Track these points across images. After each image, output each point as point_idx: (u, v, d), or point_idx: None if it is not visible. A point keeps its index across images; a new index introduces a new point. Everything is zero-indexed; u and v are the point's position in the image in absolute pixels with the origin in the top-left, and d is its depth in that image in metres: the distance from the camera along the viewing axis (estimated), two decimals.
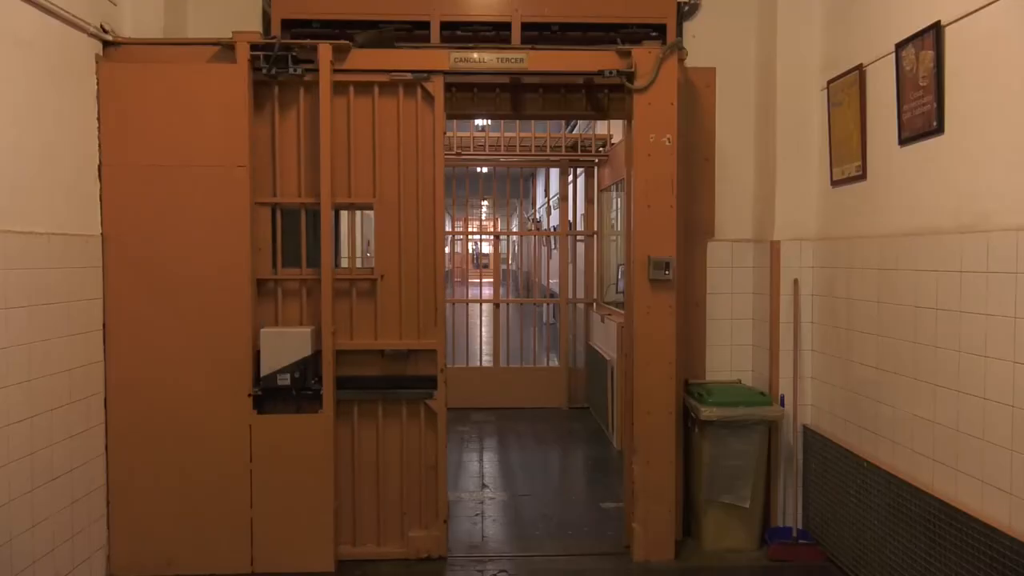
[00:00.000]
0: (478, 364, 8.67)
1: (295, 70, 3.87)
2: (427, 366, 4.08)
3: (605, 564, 4.10)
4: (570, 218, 8.42)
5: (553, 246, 9.80)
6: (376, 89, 4.01)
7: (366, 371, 4.08)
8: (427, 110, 4.04)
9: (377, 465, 4.10)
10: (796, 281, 4.22)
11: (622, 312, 5.77)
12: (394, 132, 4.05)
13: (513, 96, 4.65)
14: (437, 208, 4.08)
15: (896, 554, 3.36)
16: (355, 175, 4.06)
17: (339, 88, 3.98)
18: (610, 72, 3.99)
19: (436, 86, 4.01)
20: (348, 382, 4.03)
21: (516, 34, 4.40)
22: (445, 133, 4.12)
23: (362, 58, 3.97)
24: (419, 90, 4.03)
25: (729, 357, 4.58)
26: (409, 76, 3.97)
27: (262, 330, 3.88)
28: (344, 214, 5.47)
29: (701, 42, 4.50)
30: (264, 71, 3.85)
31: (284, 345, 3.87)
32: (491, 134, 7.91)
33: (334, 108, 3.96)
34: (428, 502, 4.12)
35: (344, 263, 6.57)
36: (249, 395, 3.85)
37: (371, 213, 4.25)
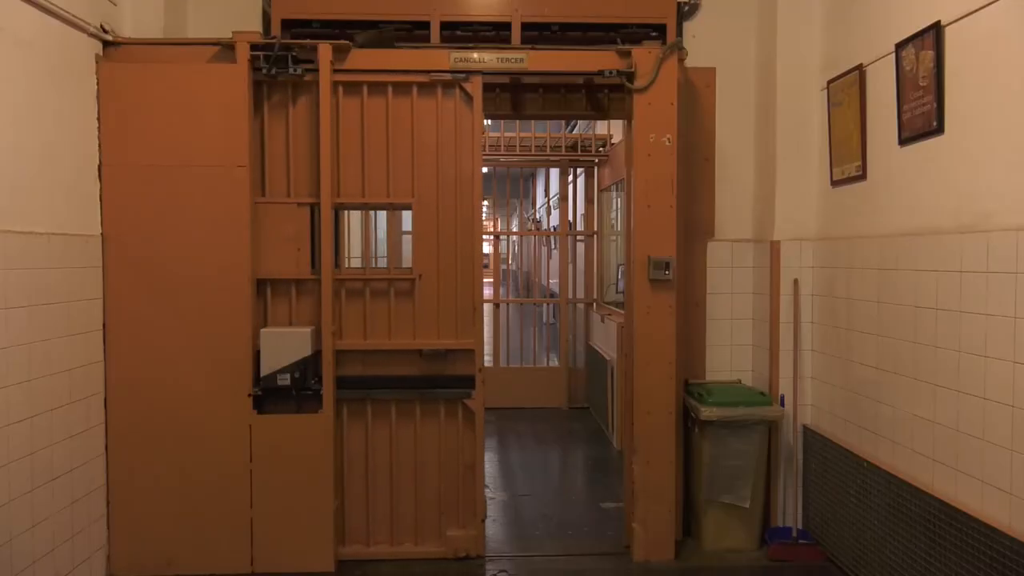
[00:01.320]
0: None
1: (295, 70, 3.88)
2: (464, 366, 4.10)
3: (605, 564, 4.10)
4: (570, 218, 8.42)
5: (553, 246, 9.79)
6: (415, 89, 4.03)
7: (404, 371, 4.09)
8: (465, 110, 4.05)
9: (415, 464, 4.13)
10: (796, 281, 4.22)
11: (622, 312, 5.77)
12: (432, 132, 4.06)
13: (513, 96, 4.65)
14: (475, 208, 4.09)
15: (896, 554, 3.36)
16: (393, 176, 4.07)
17: (374, 89, 4.02)
18: (610, 72, 3.99)
19: (475, 86, 4.02)
20: (386, 382, 4.06)
21: (516, 34, 4.40)
22: (483, 133, 4.13)
23: (362, 58, 3.97)
24: (457, 90, 4.04)
25: (729, 357, 4.58)
26: (448, 76, 3.99)
27: (262, 330, 3.88)
28: (350, 214, 5.47)
29: (701, 42, 4.50)
30: (264, 71, 3.85)
31: (284, 345, 3.87)
32: (491, 134, 7.90)
33: (368, 108, 4.02)
34: (466, 501, 4.14)
35: (362, 264, 6.57)
36: (249, 395, 3.85)
37: (383, 214, 4.26)
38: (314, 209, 3.99)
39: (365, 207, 4.18)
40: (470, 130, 4.06)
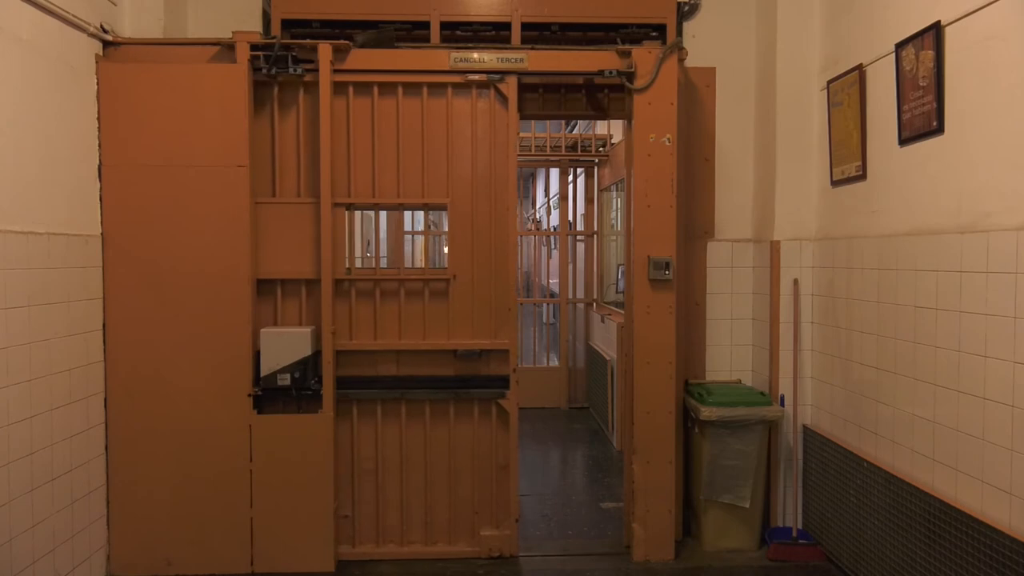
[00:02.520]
0: None
1: (295, 70, 3.88)
2: (498, 366, 4.11)
3: (605, 564, 4.10)
4: (570, 218, 8.42)
5: (553, 246, 9.79)
6: (450, 90, 4.05)
7: (438, 371, 4.11)
8: (500, 110, 4.07)
9: (449, 464, 4.14)
10: (796, 281, 4.22)
11: (622, 312, 5.77)
12: (467, 133, 4.07)
13: None
14: (510, 208, 4.09)
15: (896, 554, 3.36)
16: (428, 176, 4.08)
17: (411, 89, 4.05)
18: (610, 72, 3.99)
19: (510, 87, 4.03)
20: (420, 382, 4.08)
21: (516, 34, 4.40)
22: (518, 133, 4.15)
23: (362, 58, 3.98)
24: (492, 90, 4.06)
25: (729, 357, 4.58)
26: (483, 77, 4.00)
27: (262, 330, 3.88)
28: (357, 215, 5.47)
29: (701, 42, 4.51)
30: (264, 71, 3.86)
31: (284, 345, 3.87)
32: None
33: (403, 108, 4.04)
34: (500, 501, 4.15)
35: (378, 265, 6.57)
36: (249, 395, 3.85)
37: (371, 214, 4.27)
38: (349, 208, 4.04)
39: (401, 207, 4.19)
40: (505, 130, 4.07)
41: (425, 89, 4.05)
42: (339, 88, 4.01)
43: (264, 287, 4.02)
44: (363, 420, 4.11)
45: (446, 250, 4.23)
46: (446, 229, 4.29)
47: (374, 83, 4.02)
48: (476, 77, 4.01)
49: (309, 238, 3.98)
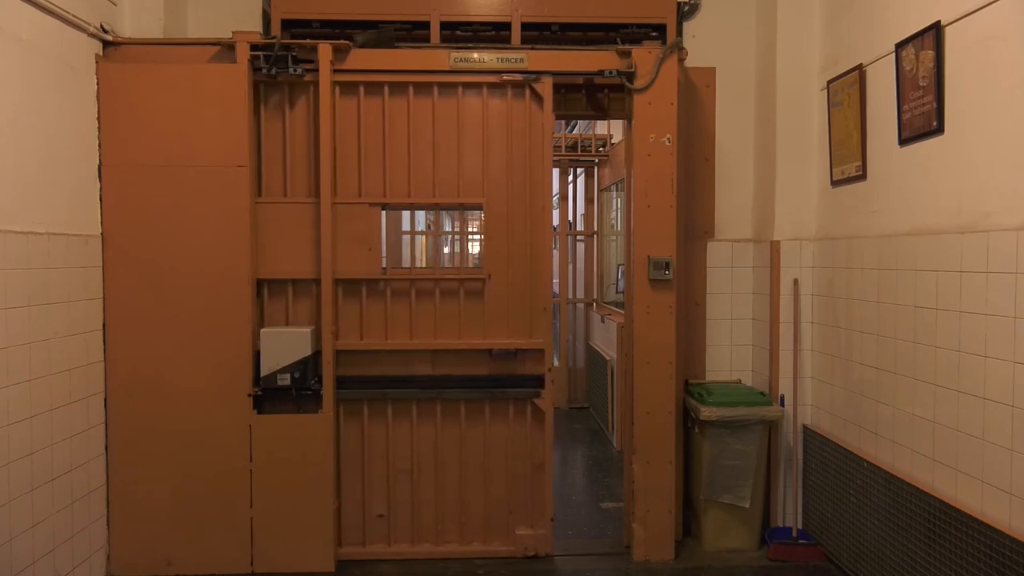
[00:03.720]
0: None
1: (295, 70, 3.88)
2: (533, 365, 4.12)
3: (605, 564, 4.10)
4: (570, 218, 8.42)
5: (553, 246, 9.79)
6: (485, 90, 4.06)
7: (473, 370, 4.12)
8: (536, 110, 4.08)
9: (484, 464, 4.15)
10: (796, 281, 4.22)
11: (622, 312, 5.77)
12: (503, 133, 4.08)
13: None
14: (545, 208, 4.10)
15: (896, 554, 3.36)
16: (463, 176, 4.09)
17: (448, 89, 4.07)
18: (610, 72, 3.99)
19: (545, 87, 4.03)
20: (456, 381, 4.09)
21: (516, 34, 4.40)
22: (553, 133, 4.16)
23: (362, 58, 3.98)
24: (527, 90, 4.07)
25: (729, 357, 4.58)
26: (519, 77, 4.01)
27: (262, 330, 3.88)
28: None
29: (701, 42, 4.50)
30: (264, 71, 3.86)
31: (283, 345, 3.86)
32: None
33: (440, 108, 4.06)
34: (535, 500, 4.16)
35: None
36: (249, 395, 3.85)
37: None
38: (384, 208, 4.06)
39: (436, 207, 4.18)
40: (540, 130, 4.08)
41: (461, 89, 4.06)
42: (371, 88, 4.03)
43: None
44: (398, 419, 4.12)
45: (470, 249, 4.24)
46: (471, 229, 4.28)
47: (409, 83, 4.04)
48: (511, 77, 4.01)
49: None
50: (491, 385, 4.10)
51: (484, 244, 4.13)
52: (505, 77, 4.01)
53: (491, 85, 4.06)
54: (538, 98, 4.06)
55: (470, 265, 4.18)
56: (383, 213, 4.08)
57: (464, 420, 4.14)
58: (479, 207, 4.13)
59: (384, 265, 4.11)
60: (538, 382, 4.10)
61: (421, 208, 4.21)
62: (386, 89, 4.04)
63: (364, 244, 4.03)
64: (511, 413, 4.15)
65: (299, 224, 3.99)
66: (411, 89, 4.05)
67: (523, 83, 4.04)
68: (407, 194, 4.08)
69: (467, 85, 4.06)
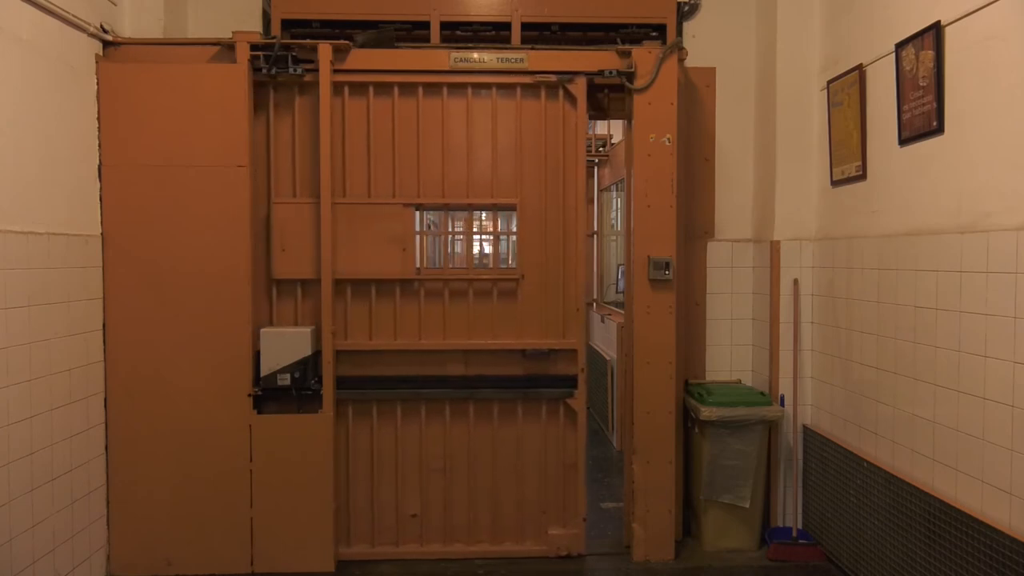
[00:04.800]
0: None
1: (295, 70, 3.88)
2: (566, 365, 4.14)
3: (605, 564, 4.10)
4: None
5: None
6: (519, 90, 4.07)
7: (506, 370, 4.13)
8: (570, 111, 4.09)
9: (517, 464, 4.16)
10: (796, 281, 4.22)
11: (622, 312, 5.77)
12: (540, 134, 4.09)
13: None
14: (578, 208, 4.10)
15: (896, 554, 3.36)
16: (497, 176, 4.10)
17: (483, 89, 4.09)
18: (610, 72, 3.99)
19: (579, 87, 4.03)
20: (489, 381, 4.10)
21: (516, 34, 4.40)
22: (587, 134, 4.15)
23: (362, 58, 3.98)
24: (560, 91, 4.07)
25: (729, 357, 4.58)
26: (553, 78, 4.01)
27: (262, 330, 3.88)
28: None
29: (701, 42, 4.50)
30: (264, 71, 3.85)
31: (284, 345, 3.86)
32: None
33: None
34: (567, 500, 4.17)
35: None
36: (249, 395, 3.85)
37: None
38: (419, 209, 4.08)
39: (471, 208, 4.19)
40: (574, 131, 4.09)
41: (494, 90, 4.07)
42: (405, 88, 4.05)
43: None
44: (431, 420, 4.13)
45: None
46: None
47: (443, 84, 4.05)
48: (544, 78, 4.01)
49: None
50: (525, 385, 4.12)
51: (518, 245, 4.14)
52: (539, 78, 4.01)
53: (525, 86, 4.05)
54: (571, 98, 4.07)
55: (501, 265, 4.19)
56: (417, 214, 4.08)
57: (497, 420, 4.15)
58: (513, 207, 4.13)
59: (418, 265, 4.10)
60: (571, 382, 4.12)
61: (455, 209, 4.19)
62: (420, 90, 4.05)
63: (398, 244, 4.03)
64: (544, 413, 4.16)
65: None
66: (445, 90, 4.05)
67: (557, 84, 4.04)
68: (441, 194, 4.08)
69: (501, 86, 4.06)
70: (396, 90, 4.04)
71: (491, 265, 4.24)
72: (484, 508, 4.16)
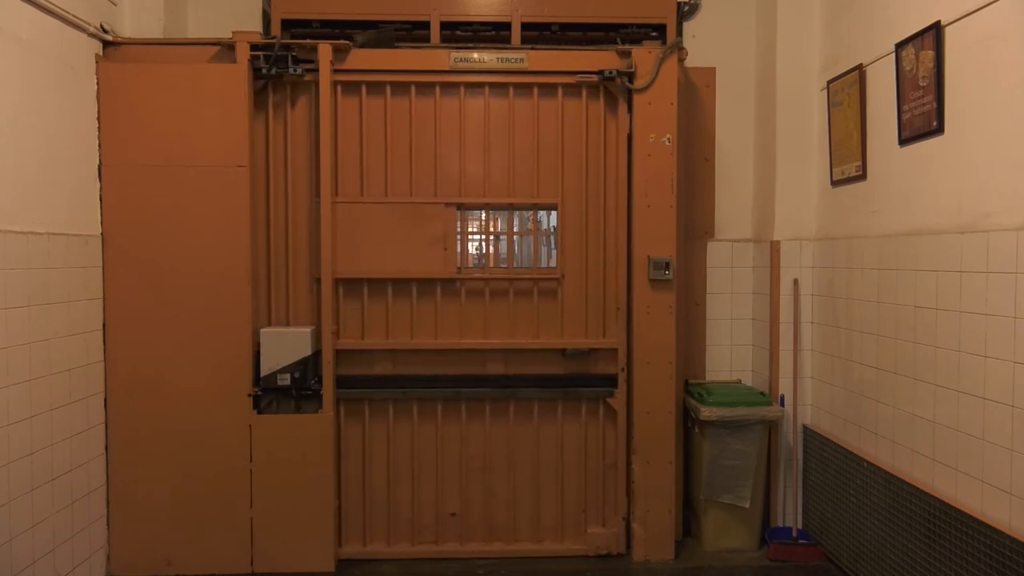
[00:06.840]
0: None
1: (295, 70, 3.88)
2: (606, 364, 4.13)
3: (605, 564, 4.10)
4: None
5: (553, 246, 9.77)
6: (560, 91, 4.06)
7: (546, 369, 4.14)
8: (611, 111, 4.09)
9: (560, 462, 4.16)
10: (796, 281, 4.22)
11: None
12: (580, 133, 4.09)
13: None
14: (620, 208, 4.10)
15: (896, 554, 3.36)
16: (541, 177, 4.10)
17: (520, 90, 4.08)
18: (610, 72, 3.99)
19: (619, 88, 4.03)
20: (529, 380, 4.11)
21: (516, 34, 4.40)
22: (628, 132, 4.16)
23: (362, 58, 3.97)
24: (601, 91, 4.07)
25: (729, 357, 4.58)
26: (595, 78, 4.01)
27: (262, 330, 3.88)
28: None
29: (701, 42, 4.51)
30: (264, 71, 3.85)
31: (284, 345, 3.86)
32: None
33: (517, 108, 4.06)
34: (608, 499, 4.17)
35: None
36: (249, 395, 3.85)
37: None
38: (459, 208, 4.08)
39: (511, 208, 4.18)
40: (615, 130, 4.09)
41: (535, 90, 4.06)
42: (423, 88, 4.04)
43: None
44: (472, 418, 4.13)
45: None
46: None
47: (484, 84, 4.05)
48: (585, 78, 4.01)
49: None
50: (565, 384, 4.12)
51: (559, 244, 4.15)
52: (580, 78, 4.01)
53: (566, 86, 4.05)
54: (612, 98, 4.07)
55: (541, 265, 4.19)
56: (458, 213, 4.08)
57: (537, 419, 4.15)
58: (554, 207, 4.14)
59: (459, 264, 4.10)
60: (611, 382, 4.12)
61: (496, 208, 4.18)
62: (462, 89, 4.04)
63: (439, 244, 4.04)
64: (583, 412, 4.16)
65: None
66: (487, 90, 4.05)
67: (597, 84, 4.04)
68: (482, 193, 4.09)
69: (542, 86, 4.05)
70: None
71: (531, 265, 4.20)
72: (524, 506, 4.17)
